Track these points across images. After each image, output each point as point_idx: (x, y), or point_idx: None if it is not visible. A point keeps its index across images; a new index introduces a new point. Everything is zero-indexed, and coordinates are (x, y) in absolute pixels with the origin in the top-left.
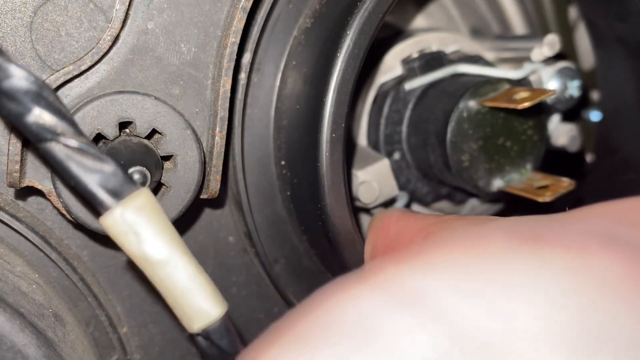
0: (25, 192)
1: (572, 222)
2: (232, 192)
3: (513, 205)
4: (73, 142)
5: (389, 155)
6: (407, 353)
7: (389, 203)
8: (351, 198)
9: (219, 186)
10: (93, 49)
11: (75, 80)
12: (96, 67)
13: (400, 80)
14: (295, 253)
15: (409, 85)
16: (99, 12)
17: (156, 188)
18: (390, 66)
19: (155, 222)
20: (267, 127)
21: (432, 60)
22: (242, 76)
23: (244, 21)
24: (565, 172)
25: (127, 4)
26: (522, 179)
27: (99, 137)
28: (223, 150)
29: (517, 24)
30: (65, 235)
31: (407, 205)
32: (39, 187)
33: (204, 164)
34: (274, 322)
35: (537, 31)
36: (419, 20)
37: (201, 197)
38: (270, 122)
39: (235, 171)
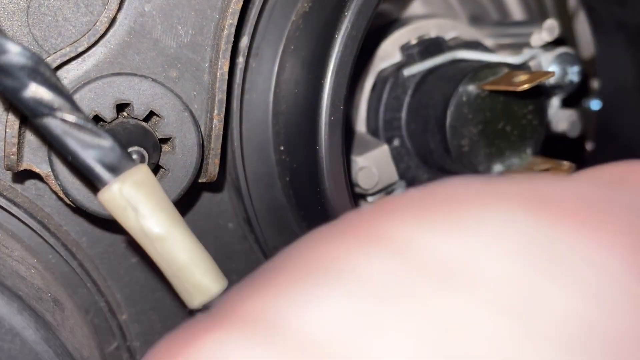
0: (23, 177)
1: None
2: (231, 177)
3: None
4: (70, 117)
5: (389, 141)
6: (366, 280)
7: (388, 189)
8: (351, 184)
9: (217, 169)
10: (90, 30)
11: (73, 62)
12: (93, 49)
13: (399, 67)
14: (295, 239)
15: (408, 72)
16: None
17: (154, 171)
18: (389, 53)
19: (154, 197)
20: (265, 113)
21: (431, 46)
22: (240, 60)
23: (241, 3)
24: (565, 159)
25: None
26: (522, 163)
27: (96, 120)
28: (221, 133)
29: (516, 12)
30: (64, 222)
31: None
32: (37, 170)
33: (202, 147)
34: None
35: (537, 19)
36: (417, 8)
37: (200, 180)
38: (269, 107)
39: (234, 156)
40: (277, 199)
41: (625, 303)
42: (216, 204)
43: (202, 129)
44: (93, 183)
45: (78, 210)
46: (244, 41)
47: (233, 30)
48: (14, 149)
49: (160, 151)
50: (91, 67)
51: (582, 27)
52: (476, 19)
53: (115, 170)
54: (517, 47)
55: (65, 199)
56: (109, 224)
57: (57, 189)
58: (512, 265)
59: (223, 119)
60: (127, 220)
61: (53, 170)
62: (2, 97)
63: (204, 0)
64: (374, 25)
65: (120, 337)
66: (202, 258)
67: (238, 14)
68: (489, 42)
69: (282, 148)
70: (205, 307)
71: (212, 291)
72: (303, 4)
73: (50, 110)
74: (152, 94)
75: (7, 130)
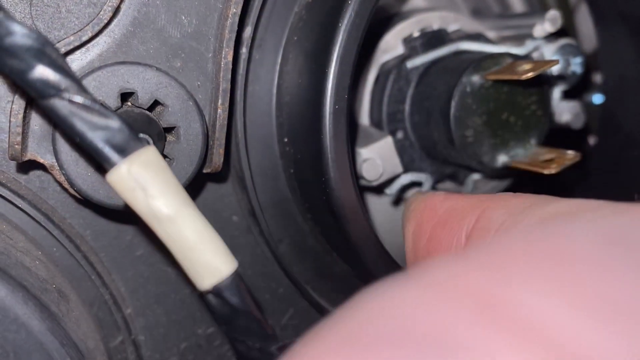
0: (27, 168)
1: None
2: (235, 170)
3: (517, 179)
4: (78, 98)
5: (392, 134)
6: None
7: (392, 180)
8: (356, 175)
9: (222, 160)
10: (94, 19)
11: (77, 52)
12: (97, 39)
13: (402, 59)
14: (299, 232)
15: (411, 64)
16: None
17: None
18: (392, 45)
19: (162, 178)
20: (269, 104)
21: (434, 38)
22: (244, 51)
23: None
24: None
25: None
26: (527, 153)
27: None
28: (226, 122)
29: (517, 4)
30: (68, 214)
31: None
32: (41, 160)
33: (206, 137)
34: (279, 302)
35: (537, 12)
36: (419, 1)
37: (204, 171)
38: (272, 99)
39: (238, 148)
40: (281, 191)
41: None
42: (220, 197)
43: (207, 119)
44: (101, 165)
45: (82, 202)
46: (248, 31)
47: (237, 19)
48: (19, 139)
49: (165, 140)
50: (95, 56)
51: (583, 20)
52: (478, 12)
53: (123, 151)
54: (519, 39)
55: (70, 190)
56: (113, 216)
57: (62, 179)
58: None
59: (227, 109)
60: (135, 202)
61: (58, 159)
62: (8, 83)
63: None
64: (376, 19)
65: (125, 331)
66: (212, 239)
67: (242, 3)
68: (491, 34)
69: (286, 140)
70: (216, 289)
71: (223, 272)
72: None
73: (57, 91)
74: (156, 82)
75: (11, 119)
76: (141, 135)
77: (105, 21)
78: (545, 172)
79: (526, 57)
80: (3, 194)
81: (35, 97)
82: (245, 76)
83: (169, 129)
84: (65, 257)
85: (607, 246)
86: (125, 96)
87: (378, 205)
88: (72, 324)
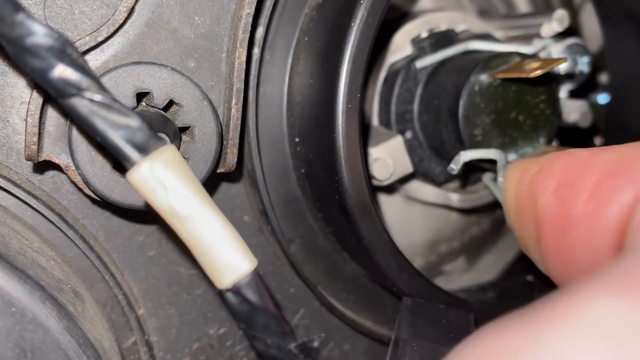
0: (42, 169)
1: None
2: (247, 170)
3: None
4: (98, 97)
5: (401, 134)
6: None
7: (402, 181)
8: (368, 174)
9: (235, 159)
10: (109, 20)
11: (92, 52)
12: (112, 39)
13: (410, 60)
14: (310, 232)
15: (419, 64)
16: None
17: None
18: (400, 46)
19: (183, 176)
20: (280, 105)
21: (442, 38)
22: (256, 51)
23: None
24: None
25: None
26: (535, 152)
27: None
28: (239, 122)
29: (522, 5)
30: (81, 215)
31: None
32: (56, 161)
33: (221, 136)
34: (291, 302)
35: (543, 12)
36: (427, 2)
37: (218, 171)
38: (284, 99)
39: (250, 148)
40: (292, 192)
41: None
42: (231, 197)
43: (220, 118)
44: (118, 164)
45: (96, 203)
46: (260, 32)
47: (250, 19)
48: (35, 139)
49: (180, 140)
50: (110, 57)
51: (588, 19)
52: (484, 13)
53: (144, 149)
54: (526, 39)
55: (85, 190)
56: (126, 217)
57: (77, 179)
58: None
59: (241, 109)
60: (157, 200)
61: (74, 159)
62: (23, 83)
63: None
64: (385, 19)
65: (138, 331)
66: (232, 236)
67: (255, 3)
68: (498, 34)
69: (297, 140)
70: (236, 287)
71: (243, 270)
72: None
73: (78, 90)
74: (171, 82)
75: (27, 119)
76: (159, 134)
77: (120, 22)
78: None
79: (534, 56)
80: (18, 195)
81: (56, 97)
82: (257, 76)
83: (183, 129)
84: (79, 258)
85: None
86: (140, 96)
87: (388, 205)
88: (88, 324)
